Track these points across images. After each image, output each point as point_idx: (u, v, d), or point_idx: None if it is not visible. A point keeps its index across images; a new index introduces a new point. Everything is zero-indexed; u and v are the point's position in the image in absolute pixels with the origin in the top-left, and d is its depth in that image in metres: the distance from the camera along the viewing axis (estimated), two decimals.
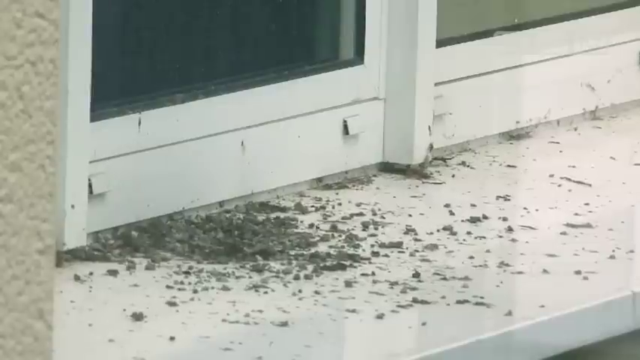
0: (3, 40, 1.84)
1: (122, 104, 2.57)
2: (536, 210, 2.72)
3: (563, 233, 2.64)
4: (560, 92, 3.06)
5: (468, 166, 2.87)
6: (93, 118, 2.49)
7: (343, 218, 2.65)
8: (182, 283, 2.44)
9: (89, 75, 2.47)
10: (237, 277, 2.48)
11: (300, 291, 2.44)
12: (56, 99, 1.88)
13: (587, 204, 2.75)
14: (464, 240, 2.62)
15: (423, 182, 2.79)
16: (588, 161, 2.89)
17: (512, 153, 2.92)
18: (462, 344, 2.34)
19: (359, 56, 2.81)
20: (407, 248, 2.59)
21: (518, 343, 2.39)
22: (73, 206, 2.45)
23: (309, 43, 2.90)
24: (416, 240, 2.61)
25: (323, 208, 2.69)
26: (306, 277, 2.49)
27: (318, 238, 2.59)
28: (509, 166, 2.86)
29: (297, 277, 2.48)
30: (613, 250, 2.61)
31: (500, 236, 2.65)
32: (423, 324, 2.39)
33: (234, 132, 2.67)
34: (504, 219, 2.69)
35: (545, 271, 2.54)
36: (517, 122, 2.98)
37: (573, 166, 2.86)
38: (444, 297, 2.46)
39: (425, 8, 2.83)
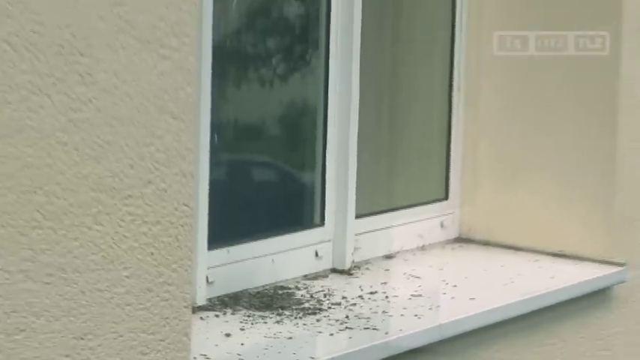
0: (163, 224, 1.87)
1: (220, 242, 2.57)
2: (398, 288, 2.72)
3: (409, 299, 2.66)
4: (408, 237, 3.04)
5: (369, 270, 2.86)
6: (209, 249, 2.52)
7: (315, 292, 2.66)
8: (247, 320, 2.45)
9: (206, 234, 2.50)
10: (270, 317, 2.48)
11: (297, 323, 2.46)
12: (191, 249, 1.91)
13: (420, 286, 2.74)
14: (367, 301, 2.64)
15: (350, 277, 2.79)
16: (420, 267, 2.86)
17: (388, 264, 2.91)
18: (367, 346, 2.38)
19: (322, 222, 2.81)
20: (343, 305, 2.59)
21: (391, 345, 2.41)
22: (199, 287, 2.48)
23: (300, 216, 2.89)
24: (346, 301, 2.62)
25: (307, 288, 2.69)
26: (300, 317, 2.50)
27: (304, 301, 2.61)
28: (385, 270, 2.83)
29: (296, 317, 2.49)
30: (431, 305, 2.63)
31: (382, 300, 2.65)
32: (350, 338, 2.41)
33: (266, 256, 2.69)
34: (384, 292, 2.69)
35: (402, 315, 2.56)
36: (389, 250, 2.97)
37: (413, 269, 2.82)
38: (359, 326, 2.47)
39: (351, 199, 2.83)
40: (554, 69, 3.10)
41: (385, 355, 2.44)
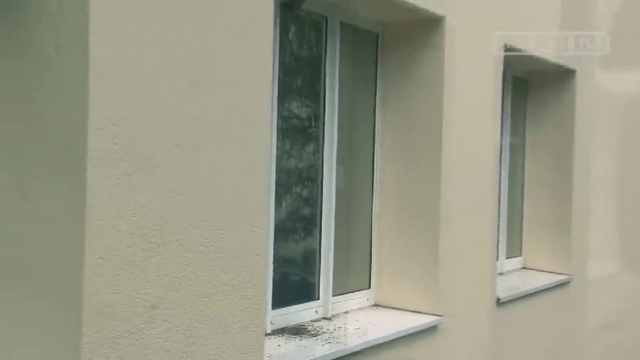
0: (254, 299, 1.75)
1: (277, 306, 2.40)
2: (350, 325, 2.53)
3: (355, 330, 2.47)
4: (353, 305, 2.79)
5: (338, 318, 2.65)
6: (272, 309, 2.39)
7: (316, 327, 2.50)
8: (287, 340, 2.32)
9: (270, 302, 2.34)
10: (297, 338, 2.36)
11: (308, 340, 2.33)
12: (265, 309, 1.84)
13: (358, 325, 2.56)
14: (337, 331, 2.49)
15: (330, 321, 2.59)
16: (359, 317, 2.61)
17: (345, 316, 2.70)
18: (337, 349, 2.28)
19: (318, 298, 2.61)
20: (327, 333, 2.45)
21: (347, 350, 2.27)
22: (267, 325, 2.34)
23: (309, 295, 2.65)
24: (329, 331, 2.47)
25: (312, 325, 2.52)
26: (309, 338, 2.37)
27: (311, 331, 2.46)
28: (345, 318, 2.65)
29: (307, 338, 2.36)
30: (364, 332, 2.49)
31: (344, 330, 2.50)
32: (330, 347, 2.28)
33: (296, 312, 2.49)
34: (345, 327, 2.53)
35: (352, 336, 2.40)
36: (346, 310, 2.71)
37: (356, 318, 2.56)
38: (334, 342, 2.35)
39: (330, 289, 2.63)
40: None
41: (344, 354, 2.34)
